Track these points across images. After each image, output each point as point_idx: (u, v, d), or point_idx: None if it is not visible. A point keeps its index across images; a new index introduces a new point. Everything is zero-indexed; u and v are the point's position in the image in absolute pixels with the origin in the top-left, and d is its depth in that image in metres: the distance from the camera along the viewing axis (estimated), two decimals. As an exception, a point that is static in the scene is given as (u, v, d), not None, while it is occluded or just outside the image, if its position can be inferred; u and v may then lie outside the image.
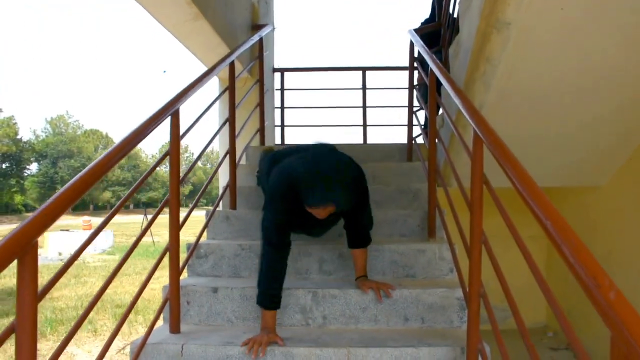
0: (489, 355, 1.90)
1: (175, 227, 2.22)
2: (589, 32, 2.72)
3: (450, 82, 2.40)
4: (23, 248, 1.19)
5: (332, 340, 2.10)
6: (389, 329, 2.27)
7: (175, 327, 2.21)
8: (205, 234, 2.86)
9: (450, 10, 4.13)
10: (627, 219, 4.01)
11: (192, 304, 2.36)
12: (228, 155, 3.23)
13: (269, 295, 2.13)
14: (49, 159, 57.96)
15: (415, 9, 40.87)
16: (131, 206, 60.15)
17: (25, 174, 57.15)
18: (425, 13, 5.25)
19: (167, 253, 2.21)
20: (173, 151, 2.22)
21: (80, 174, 1.52)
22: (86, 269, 10.90)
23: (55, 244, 15.88)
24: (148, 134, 1.96)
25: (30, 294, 1.22)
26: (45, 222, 1.28)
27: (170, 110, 2.16)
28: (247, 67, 4.07)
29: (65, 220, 43.10)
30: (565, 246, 1.14)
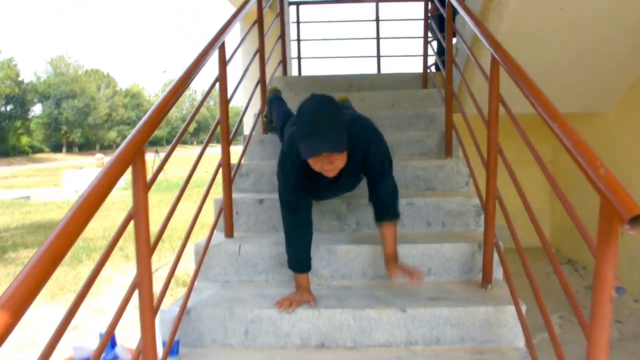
0: (502, 248, 2.24)
1: (226, 145, 2.52)
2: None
3: (467, 11, 2.63)
4: (135, 154, 1.49)
5: (366, 240, 2.44)
6: (414, 233, 2.62)
7: (229, 232, 2.57)
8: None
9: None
10: (627, 141, 4.29)
11: (241, 214, 2.71)
12: (259, 85, 3.49)
13: (298, 259, 2.15)
14: (53, 100, 57.66)
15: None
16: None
17: (30, 116, 56.97)
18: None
19: (220, 170, 2.52)
20: (222, 78, 2.49)
21: (158, 101, 1.78)
22: (106, 204, 11.35)
23: (69, 182, 16.35)
24: (202, 67, 2.19)
25: (142, 189, 1.54)
26: (146, 132, 1.58)
27: (218, 43, 2.40)
28: (270, 2, 4.24)
29: (75, 160, 43.65)
30: (568, 141, 1.43)
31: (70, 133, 59.11)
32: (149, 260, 1.54)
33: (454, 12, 3.21)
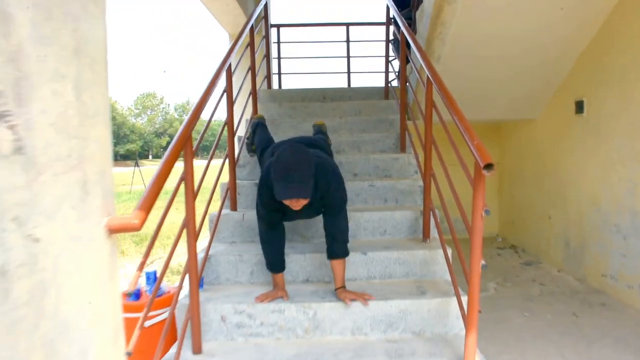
0: (438, 215, 3.07)
1: (231, 143, 3.31)
2: (518, 6, 3.82)
3: (414, 42, 3.47)
4: (186, 141, 2.28)
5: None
6: (374, 206, 3.46)
7: (233, 207, 3.36)
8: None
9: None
10: (552, 142, 5.23)
11: (241, 194, 3.50)
12: (251, 95, 4.29)
13: (272, 263, 2.62)
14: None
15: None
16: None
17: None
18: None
19: (226, 161, 3.31)
20: (228, 90, 3.28)
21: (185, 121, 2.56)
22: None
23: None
24: (214, 88, 2.95)
25: (190, 171, 2.32)
26: (193, 121, 2.37)
27: (226, 65, 3.19)
28: (257, 29, 5.05)
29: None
30: (462, 126, 2.26)
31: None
32: (193, 207, 2.32)
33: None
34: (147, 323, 2.93)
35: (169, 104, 76.65)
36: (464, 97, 4.78)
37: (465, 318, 2.16)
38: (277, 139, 4.04)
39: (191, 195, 2.31)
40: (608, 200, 4.19)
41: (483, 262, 2.08)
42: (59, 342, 1.27)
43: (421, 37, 4.57)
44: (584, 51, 4.43)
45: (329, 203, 2.51)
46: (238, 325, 2.54)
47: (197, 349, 2.40)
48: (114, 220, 1.57)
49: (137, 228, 1.63)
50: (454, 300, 2.53)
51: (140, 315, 1.93)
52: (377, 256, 2.85)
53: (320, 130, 3.71)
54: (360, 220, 3.18)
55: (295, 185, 2.20)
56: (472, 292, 2.08)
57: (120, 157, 61.73)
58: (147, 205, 1.72)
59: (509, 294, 4.31)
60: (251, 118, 4.00)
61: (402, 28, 3.73)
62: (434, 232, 3.13)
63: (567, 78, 4.76)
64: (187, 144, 2.30)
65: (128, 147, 63.36)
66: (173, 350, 2.38)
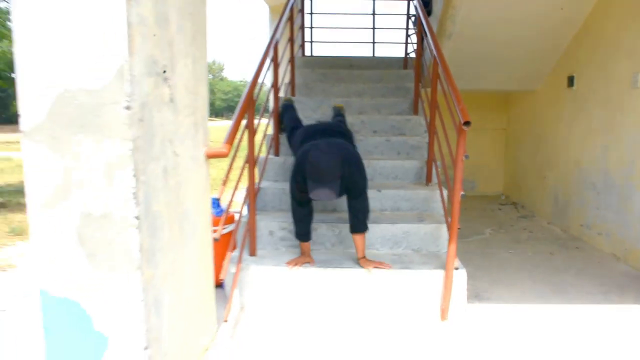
0: (439, 168, 3.86)
1: (276, 99, 4.13)
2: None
3: (427, 23, 4.20)
4: (250, 100, 3.10)
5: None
6: (389, 157, 4.28)
7: (276, 152, 4.23)
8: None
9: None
10: (549, 112, 5.94)
11: (282, 144, 4.33)
12: (289, 61, 5.08)
13: (301, 234, 3.15)
14: None
15: None
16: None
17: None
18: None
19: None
20: (275, 62, 4.08)
21: (239, 103, 3.36)
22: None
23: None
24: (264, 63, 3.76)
25: (252, 124, 3.16)
26: (240, 119, 3.19)
27: (274, 41, 3.98)
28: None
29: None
30: (454, 96, 3.03)
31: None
32: (253, 151, 3.16)
33: (429, 13, 4.81)
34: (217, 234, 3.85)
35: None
36: (473, 70, 5.55)
37: (450, 233, 3.00)
38: (310, 100, 4.87)
39: (252, 142, 3.16)
40: (587, 162, 4.94)
41: (463, 192, 2.89)
42: (184, 221, 2.15)
43: (435, 17, 5.28)
44: (577, 33, 5.09)
45: (353, 188, 2.96)
46: (281, 238, 3.43)
47: (252, 253, 3.30)
48: (210, 149, 2.43)
49: (225, 155, 2.50)
50: (445, 226, 3.37)
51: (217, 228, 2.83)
52: (388, 193, 3.70)
53: (339, 112, 4.30)
54: (377, 167, 4.01)
55: (326, 189, 2.70)
56: (454, 213, 2.90)
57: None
58: (230, 139, 2.57)
59: (502, 237, 5.14)
60: (283, 100, 4.53)
61: (418, 9, 4.46)
62: (434, 179, 3.96)
63: (563, 56, 5.44)
64: (250, 103, 3.13)
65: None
66: (236, 253, 3.27)
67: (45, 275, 1.75)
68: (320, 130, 3.40)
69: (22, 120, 1.68)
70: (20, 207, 7.14)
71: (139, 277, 1.73)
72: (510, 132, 7.29)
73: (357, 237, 3.08)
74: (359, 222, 3.04)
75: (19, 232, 5.57)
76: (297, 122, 4.09)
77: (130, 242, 1.70)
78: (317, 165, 2.74)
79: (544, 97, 6.03)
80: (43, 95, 1.66)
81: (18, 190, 8.65)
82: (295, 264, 3.11)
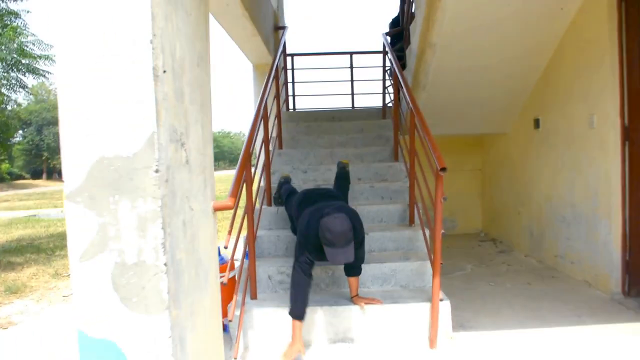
0: (421, 210, 4.20)
1: (267, 154, 4.47)
2: (484, 49, 4.98)
3: (402, 76, 4.63)
4: (248, 155, 3.43)
5: (347, 205, 4.41)
6: (374, 202, 4.62)
7: (269, 203, 4.53)
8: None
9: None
10: (520, 152, 6.38)
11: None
12: (276, 117, 5.46)
13: (296, 310, 3.03)
14: (34, 127, 58.45)
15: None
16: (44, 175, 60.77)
17: (10, 142, 57.19)
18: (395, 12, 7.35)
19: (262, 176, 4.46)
20: (265, 118, 4.44)
21: (240, 159, 3.72)
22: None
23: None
24: (258, 128, 4.13)
25: (249, 177, 3.48)
26: (241, 174, 3.52)
27: (263, 101, 4.35)
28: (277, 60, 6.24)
29: (57, 185, 44.44)
30: (429, 143, 3.40)
31: (52, 159, 59.89)
32: (252, 202, 3.46)
33: (403, 67, 5.26)
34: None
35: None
36: (448, 116, 5.98)
37: (433, 268, 3.31)
38: (297, 152, 5.23)
39: (250, 194, 3.46)
40: (556, 196, 5.34)
41: (443, 231, 3.22)
42: (199, 267, 2.43)
43: (410, 70, 5.75)
44: (540, 78, 5.58)
45: (356, 241, 3.05)
46: (279, 282, 3.69)
47: (253, 296, 3.55)
48: (217, 203, 2.73)
49: (231, 207, 2.79)
50: (429, 263, 3.67)
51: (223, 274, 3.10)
52: (375, 235, 4.01)
53: (343, 170, 4.38)
54: (363, 211, 4.33)
55: (345, 251, 2.83)
56: (436, 250, 3.22)
57: (58, 175, 62.50)
58: (234, 193, 2.88)
59: (482, 271, 5.45)
60: (281, 177, 4.65)
61: (394, 64, 4.90)
62: (417, 220, 4.29)
63: (528, 100, 5.92)
64: (248, 159, 3.46)
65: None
66: (239, 297, 3.52)
67: (84, 318, 2.01)
68: (321, 194, 3.60)
69: (65, 185, 1.97)
70: (12, 265, 7.25)
71: (168, 316, 2.00)
72: (485, 172, 7.72)
73: (353, 279, 3.39)
74: (357, 268, 3.34)
75: (14, 291, 5.68)
76: (293, 189, 4.26)
77: (161, 286, 1.98)
78: (334, 231, 2.83)
79: (515, 138, 6.48)
80: (83, 163, 1.96)
81: (6, 250, 8.74)
82: (289, 358, 3.01)
